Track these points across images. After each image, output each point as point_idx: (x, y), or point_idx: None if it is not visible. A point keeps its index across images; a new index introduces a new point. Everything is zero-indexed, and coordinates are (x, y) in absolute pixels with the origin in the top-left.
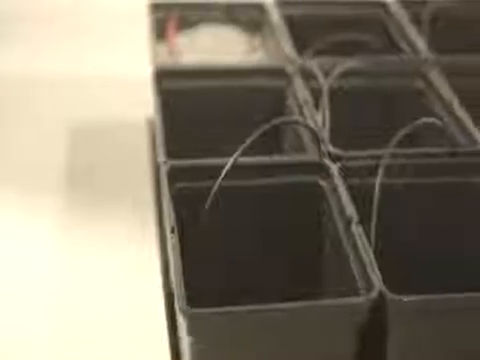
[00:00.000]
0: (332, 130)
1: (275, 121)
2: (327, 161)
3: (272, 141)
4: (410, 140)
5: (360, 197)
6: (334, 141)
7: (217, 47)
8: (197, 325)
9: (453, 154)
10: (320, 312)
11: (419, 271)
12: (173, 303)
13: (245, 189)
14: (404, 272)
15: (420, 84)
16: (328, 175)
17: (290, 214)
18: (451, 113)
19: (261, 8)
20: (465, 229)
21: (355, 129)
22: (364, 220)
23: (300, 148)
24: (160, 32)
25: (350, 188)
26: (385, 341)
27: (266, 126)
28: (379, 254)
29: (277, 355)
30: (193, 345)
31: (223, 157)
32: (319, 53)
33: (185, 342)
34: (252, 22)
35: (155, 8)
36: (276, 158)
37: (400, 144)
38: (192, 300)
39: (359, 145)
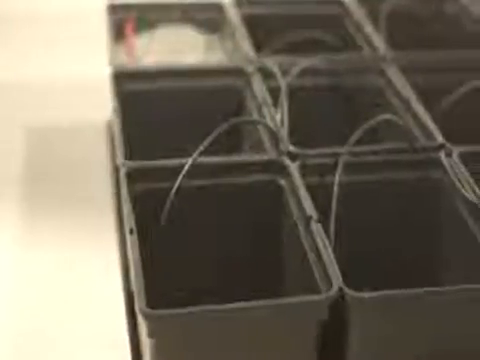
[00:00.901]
0: (291, 129)
1: (233, 121)
2: (286, 160)
3: (232, 141)
4: (369, 137)
5: (319, 195)
6: (293, 139)
7: (176, 48)
8: (157, 326)
9: (411, 150)
10: (281, 310)
11: (379, 267)
12: (134, 305)
13: (205, 189)
14: (364, 269)
15: (378, 81)
16: (287, 174)
17: (250, 213)
18: (409, 109)
19: (219, 8)
20: (424, 224)
21: (314, 127)
22: (324, 218)
23: (259, 147)
24: (118, 34)
25: (309, 186)
26: (346, 337)
27: (224, 126)
28: (339, 251)
29: (239, 354)
30: (154, 346)
31: (183, 158)
32: (278, 52)
33: (146, 343)
34: (211, 22)
35: (113, 10)
36: (235, 157)
37: (359, 141)
38: (153, 301)
39: (319, 143)
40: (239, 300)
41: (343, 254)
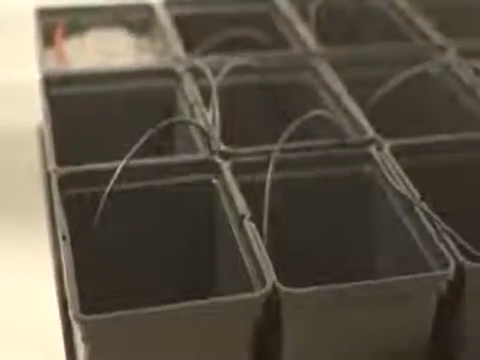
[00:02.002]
0: (223, 128)
1: (164, 122)
2: (218, 159)
3: (164, 142)
4: (301, 134)
5: (252, 193)
6: (226, 139)
7: (107, 51)
8: (91, 331)
9: (342, 145)
10: (215, 310)
11: (315, 264)
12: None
13: (137, 191)
14: (299, 265)
15: (309, 77)
16: (219, 173)
17: (183, 214)
18: (340, 104)
19: (149, 9)
20: (357, 218)
21: (247, 126)
22: (257, 216)
23: (192, 148)
24: (48, 38)
25: (242, 185)
26: (281, 334)
27: (155, 128)
28: (273, 248)
29: (175, 356)
30: (88, 352)
31: (115, 161)
32: (208, 51)
33: (81, 349)
34: (141, 24)
35: (42, 13)
36: (167, 159)
37: (291, 138)
38: (88, 306)
39: (251, 141)
40: (175, 301)
41: (278, 251)
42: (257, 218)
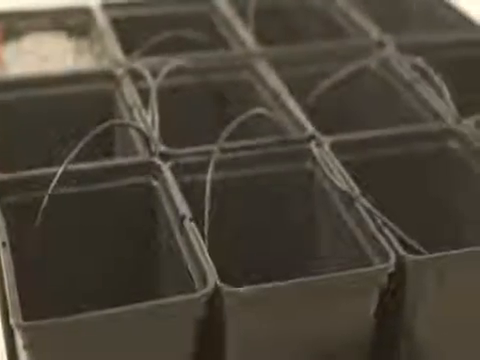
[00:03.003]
0: (165, 129)
1: (102, 126)
2: (158, 160)
3: (104, 146)
4: (242, 133)
5: (193, 193)
6: (167, 140)
7: (44, 55)
8: (33, 338)
9: (283, 143)
10: (158, 311)
11: (255, 262)
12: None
13: (78, 195)
14: (240, 264)
15: (248, 77)
16: (160, 174)
17: (125, 216)
18: (280, 103)
19: (88, 12)
20: (298, 216)
21: (187, 127)
22: (198, 216)
23: (132, 150)
24: None
25: (183, 185)
26: (224, 333)
27: (94, 132)
28: (215, 248)
29: (120, 358)
30: (30, 357)
31: (55, 166)
32: (147, 53)
33: (23, 354)
34: (80, 27)
35: None
36: (107, 162)
37: (232, 138)
38: (30, 312)
39: (192, 142)
40: (119, 304)
41: (220, 251)
42: (199, 218)
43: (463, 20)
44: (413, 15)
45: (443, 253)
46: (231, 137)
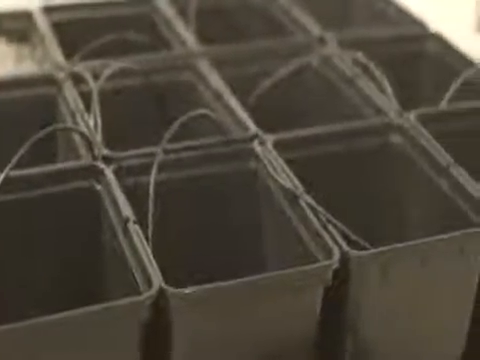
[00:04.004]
0: (108, 132)
1: (45, 131)
2: (101, 164)
3: (47, 151)
4: (185, 134)
5: (137, 196)
6: (111, 143)
7: None
8: None
9: (226, 142)
10: (103, 315)
11: (202, 262)
12: None
13: (21, 202)
14: (186, 265)
15: (191, 77)
16: (103, 178)
17: (69, 221)
18: (222, 102)
19: (28, 16)
20: (243, 215)
21: (131, 129)
22: (143, 218)
23: (75, 155)
24: None
25: (126, 188)
26: (170, 335)
27: (35, 136)
28: (160, 250)
29: None
30: None
31: None
32: (89, 57)
33: None
34: (19, 31)
35: None
36: (49, 167)
37: (176, 139)
38: None
39: (136, 145)
40: (67, 308)
41: (165, 252)
42: (143, 220)
43: (403, 15)
44: (354, 11)
45: (386, 248)
46: (174, 138)
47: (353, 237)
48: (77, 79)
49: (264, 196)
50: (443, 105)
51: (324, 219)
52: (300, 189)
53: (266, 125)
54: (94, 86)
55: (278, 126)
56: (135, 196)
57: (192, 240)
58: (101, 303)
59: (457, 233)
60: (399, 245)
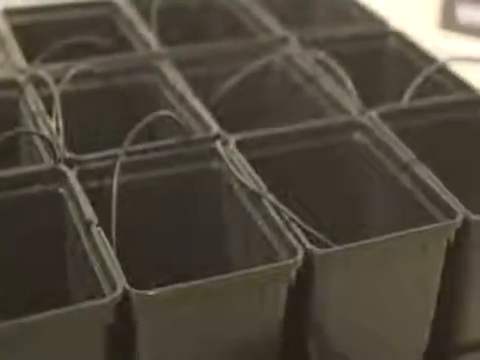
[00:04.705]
0: (71, 135)
1: (6, 134)
2: (63, 167)
3: (9, 155)
4: (148, 135)
5: (101, 198)
6: (74, 146)
7: None
8: None
9: (188, 143)
10: (67, 318)
11: (167, 263)
12: None
13: None
14: (151, 266)
15: (153, 78)
16: (66, 181)
17: (32, 225)
18: (185, 103)
19: None
20: (207, 215)
21: (94, 132)
22: (107, 221)
23: (37, 158)
24: None
25: (89, 191)
26: (136, 337)
27: None
28: (124, 252)
29: None
30: None
31: None
32: (50, 60)
33: None
34: None
35: None
36: (11, 170)
37: (138, 140)
38: None
39: (100, 147)
40: (32, 312)
41: (129, 254)
42: (107, 223)
43: (365, 13)
44: (316, 10)
45: (349, 245)
46: (138, 140)
47: (317, 235)
48: (39, 82)
49: (228, 196)
50: (405, 102)
51: (287, 218)
52: (263, 188)
53: (229, 125)
54: (55, 89)
55: (241, 126)
56: (99, 198)
57: (157, 241)
58: (66, 306)
59: (419, 229)
60: (362, 242)
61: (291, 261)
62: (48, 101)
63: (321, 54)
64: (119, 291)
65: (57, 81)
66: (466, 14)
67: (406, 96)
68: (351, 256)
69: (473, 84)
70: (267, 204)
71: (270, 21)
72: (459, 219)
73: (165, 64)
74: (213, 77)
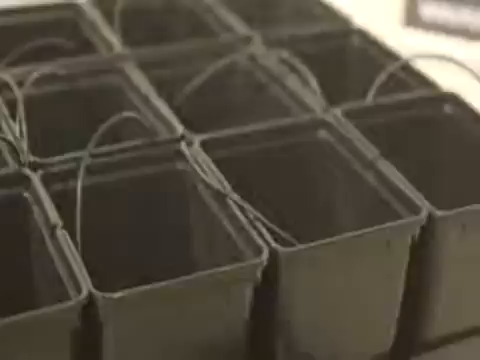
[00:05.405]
0: (35, 139)
1: None
2: (27, 171)
3: None
4: (113, 137)
5: (66, 201)
6: (38, 150)
7: None
8: None
9: (153, 144)
10: (32, 323)
11: (133, 265)
12: None
13: None
14: (117, 269)
15: (117, 80)
16: (30, 185)
17: None
18: (149, 104)
19: None
20: (172, 216)
21: (59, 135)
22: (73, 223)
23: (1, 163)
24: None
25: (54, 194)
26: (102, 339)
27: None
28: (90, 255)
29: None
30: None
31: None
32: (14, 63)
33: None
34: None
35: None
36: None
37: (103, 142)
38: None
39: (65, 150)
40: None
41: (95, 257)
42: (73, 226)
43: (328, 12)
44: (280, 9)
45: (314, 243)
46: (102, 142)
47: (282, 234)
48: (1, 86)
49: (193, 196)
50: (368, 100)
51: (252, 217)
52: (228, 188)
53: (195, 126)
54: (18, 93)
55: (207, 126)
56: (64, 202)
57: (123, 243)
58: (32, 310)
59: (383, 226)
60: (327, 240)
61: (256, 260)
62: (12, 105)
63: (285, 53)
64: (84, 294)
65: (20, 84)
66: (429, 11)
67: (370, 94)
68: (316, 254)
69: (436, 81)
70: (232, 204)
71: (234, 21)
72: (423, 215)
73: (129, 66)
74: (177, 78)
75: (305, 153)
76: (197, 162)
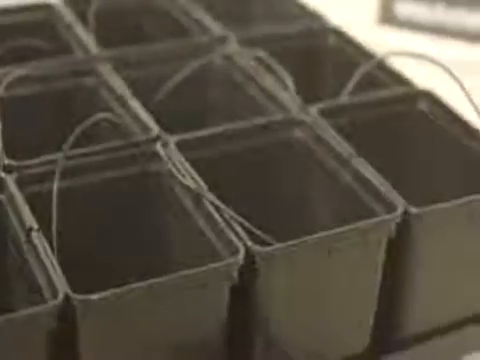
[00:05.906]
0: (10, 141)
1: None
2: (2, 173)
3: None
4: (89, 139)
5: (42, 204)
6: (14, 152)
7: None
8: None
9: (128, 145)
10: (7, 326)
11: (110, 267)
12: None
13: None
14: (94, 271)
15: (92, 81)
16: (5, 188)
17: None
18: (125, 106)
19: None
20: (149, 218)
21: (35, 137)
22: (49, 226)
23: None
24: None
25: (29, 197)
26: (79, 342)
27: None
28: (66, 258)
29: None
30: None
31: None
32: None
33: None
34: None
35: None
36: None
37: (79, 145)
38: None
39: (41, 152)
40: None
41: (71, 260)
42: (49, 228)
43: (303, 11)
44: (255, 9)
45: (291, 242)
46: (78, 144)
47: (258, 233)
48: None
49: (169, 197)
50: (344, 98)
51: (228, 217)
52: (204, 188)
53: (171, 126)
54: None
55: (183, 127)
56: (40, 204)
57: (100, 244)
58: (8, 313)
59: (359, 224)
60: (303, 239)
61: (233, 260)
62: None
63: (260, 53)
64: (61, 297)
65: None
66: (404, 9)
67: (345, 92)
68: (293, 253)
69: (411, 78)
70: (208, 204)
71: (209, 21)
72: (399, 213)
73: (104, 67)
74: (153, 79)
75: (281, 152)
76: (173, 163)
